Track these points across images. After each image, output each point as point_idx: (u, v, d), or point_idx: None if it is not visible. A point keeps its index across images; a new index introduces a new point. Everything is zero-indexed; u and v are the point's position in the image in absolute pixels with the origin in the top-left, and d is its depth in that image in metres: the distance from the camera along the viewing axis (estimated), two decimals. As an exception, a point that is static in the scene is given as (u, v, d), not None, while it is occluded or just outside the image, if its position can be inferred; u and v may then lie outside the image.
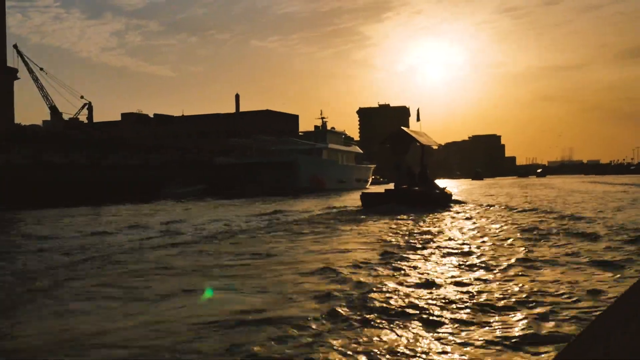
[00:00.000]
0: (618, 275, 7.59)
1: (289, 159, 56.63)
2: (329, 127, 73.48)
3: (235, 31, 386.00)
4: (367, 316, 5.64)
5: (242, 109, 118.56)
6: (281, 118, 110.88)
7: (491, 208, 24.19)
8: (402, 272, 8.31)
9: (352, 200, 34.55)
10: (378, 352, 4.63)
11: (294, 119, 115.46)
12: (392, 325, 5.36)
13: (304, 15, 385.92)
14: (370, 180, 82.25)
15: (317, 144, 64.94)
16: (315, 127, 74.74)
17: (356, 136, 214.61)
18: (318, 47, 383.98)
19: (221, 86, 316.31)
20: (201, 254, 11.11)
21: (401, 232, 14.71)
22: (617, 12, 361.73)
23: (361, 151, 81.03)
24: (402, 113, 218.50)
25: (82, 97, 72.13)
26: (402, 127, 28.81)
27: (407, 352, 4.66)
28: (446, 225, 16.78)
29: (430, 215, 20.40)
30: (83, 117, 75.46)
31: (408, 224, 17.20)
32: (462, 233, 14.17)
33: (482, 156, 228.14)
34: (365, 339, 5.00)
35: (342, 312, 5.78)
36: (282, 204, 31.65)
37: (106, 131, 79.36)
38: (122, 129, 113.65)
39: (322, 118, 74.19)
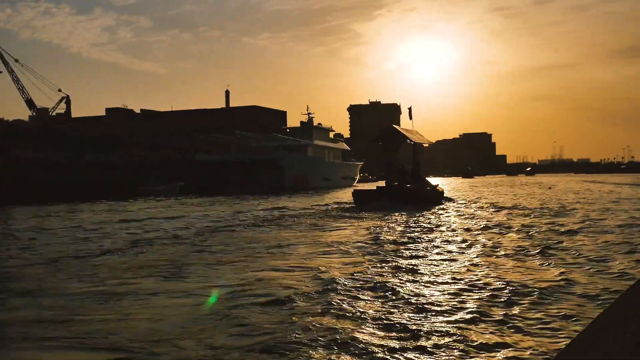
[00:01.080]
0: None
1: (273, 156, 54.81)
2: (315, 123, 71.53)
3: (227, 28, 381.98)
4: None
5: (232, 106, 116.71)
6: (269, 114, 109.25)
7: (482, 206, 24.69)
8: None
9: (332, 198, 33.19)
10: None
11: (282, 114, 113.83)
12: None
13: (295, 12, 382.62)
14: (357, 177, 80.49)
15: (303, 140, 63.14)
16: (302, 122, 72.68)
17: (346, 133, 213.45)
18: (309, 45, 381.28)
19: (213, 83, 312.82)
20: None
21: (392, 231, 14.49)
22: (608, 11, 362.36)
23: (348, 148, 79.28)
24: (393, 110, 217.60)
25: (59, 90, 69.71)
26: (394, 125, 28.92)
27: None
28: (438, 222, 16.91)
29: (422, 213, 20.44)
30: (61, 111, 72.97)
31: (398, 221, 17.15)
32: (454, 231, 14.06)
33: (473, 154, 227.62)
34: None
35: None
36: (248, 204, 30.15)
37: (97, 128, 77.67)
38: (106, 124, 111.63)
39: (309, 113, 72.08)
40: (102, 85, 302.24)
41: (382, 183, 28.25)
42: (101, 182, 46.36)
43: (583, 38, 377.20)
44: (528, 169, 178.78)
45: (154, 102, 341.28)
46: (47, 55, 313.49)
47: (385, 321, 5.50)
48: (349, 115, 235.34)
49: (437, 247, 11.29)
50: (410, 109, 28.76)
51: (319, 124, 72.89)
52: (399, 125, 34.00)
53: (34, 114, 72.76)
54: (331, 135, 77.01)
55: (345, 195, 38.75)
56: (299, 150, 61.15)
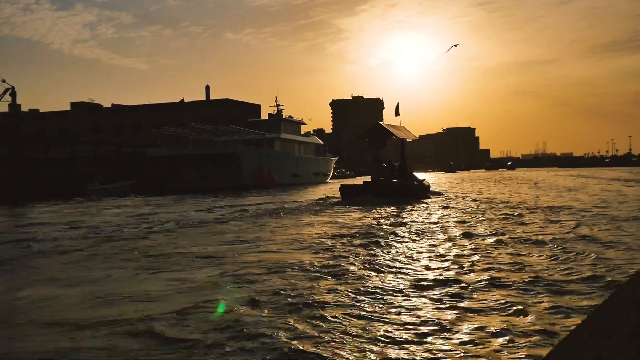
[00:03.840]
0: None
1: (229, 150, 49.94)
2: (286, 116, 66.68)
3: (210, 24, 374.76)
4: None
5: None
6: (242, 107, 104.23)
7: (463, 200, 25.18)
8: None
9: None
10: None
11: (256, 108, 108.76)
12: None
13: (277, 8, 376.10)
14: (330, 174, 75.60)
15: (269, 134, 58.28)
16: (269, 115, 67.76)
17: (329, 128, 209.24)
18: (291, 40, 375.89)
19: (195, 79, 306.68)
20: None
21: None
22: (588, 6, 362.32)
23: (321, 142, 74.41)
24: (375, 105, 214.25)
25: (3, 81, 63.78)
26: (380, 122, 29.98)
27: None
28: (423, 214, 17.36)
29: (407, 206, 20.96)
30: (5, 104, 66.95)
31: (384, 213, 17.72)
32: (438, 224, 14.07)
33: (456, 149, 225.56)
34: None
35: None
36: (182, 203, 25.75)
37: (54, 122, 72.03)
38: (69, 120, 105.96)
39: (277, 105, 67.11)
40: (81, 82, 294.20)
41: (365, 178, 29.36)
42: (37, 181, 41.77)
43: (564, 33, 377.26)
44: (509, 163, 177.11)
45: (135, 98, 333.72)
46: (26, 52, 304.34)
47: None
48: (331, 110, 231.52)
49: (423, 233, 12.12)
50: (397, 105, 29.95)
51: (290, 116, 68.09)
52: (382, 120, 35.41)
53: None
54: (303, 129, 72.04)
55: (300, 197, 34.40)
56: (265, 144, 56.40)
